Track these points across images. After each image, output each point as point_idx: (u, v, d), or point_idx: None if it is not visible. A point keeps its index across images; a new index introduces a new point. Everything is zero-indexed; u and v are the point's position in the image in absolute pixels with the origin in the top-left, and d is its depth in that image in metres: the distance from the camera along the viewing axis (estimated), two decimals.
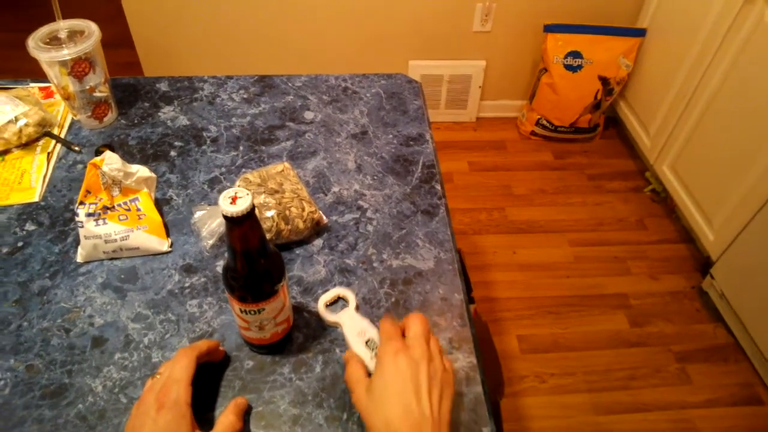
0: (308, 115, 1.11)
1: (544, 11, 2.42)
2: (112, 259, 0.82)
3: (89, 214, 0.79)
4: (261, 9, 2.32)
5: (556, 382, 1.75)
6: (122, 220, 0.81)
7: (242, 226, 0.56)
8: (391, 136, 1.07)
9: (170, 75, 1.19)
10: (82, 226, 0.79)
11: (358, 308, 0.76)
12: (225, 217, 0.55)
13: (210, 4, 2.28)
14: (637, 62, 2.44)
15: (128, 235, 0.81)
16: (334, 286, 0.80)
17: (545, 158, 2.55)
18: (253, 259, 0.60)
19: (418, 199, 0.93)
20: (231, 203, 0.54)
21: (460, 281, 0.81)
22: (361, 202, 0.92)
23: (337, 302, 0.78)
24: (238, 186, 0.84)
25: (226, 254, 0.78)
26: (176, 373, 0.60)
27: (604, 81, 2.43)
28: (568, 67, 2.42)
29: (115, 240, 0.80)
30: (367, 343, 0.69)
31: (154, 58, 2.48)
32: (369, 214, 0.90)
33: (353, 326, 0.72)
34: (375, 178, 0.97)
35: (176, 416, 0.56)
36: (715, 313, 1.94)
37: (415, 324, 0.61)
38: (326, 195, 0.94)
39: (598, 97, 2.47)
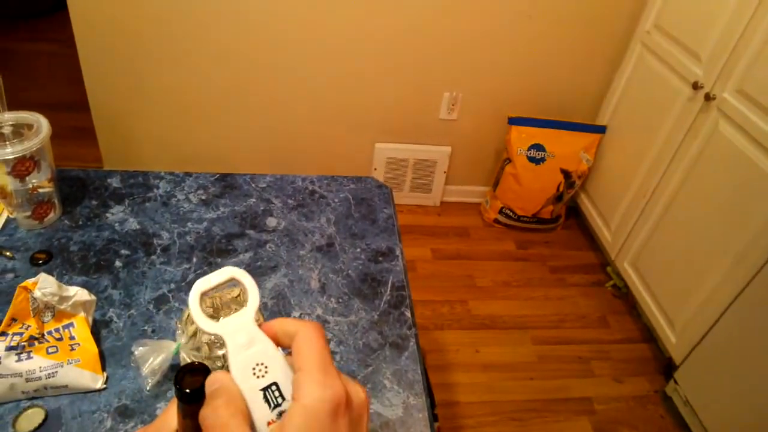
0: (271, 222, 1.04)
1: (509, 103, 2.47)
2: (33, 398, 0.71)
3: (10, 348, 0.69)
4: (227, 86, 2.28)
5: None
6: (51, 353, 0.71)
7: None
8: (359, 250, 1.00)
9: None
10: None
11: (261, 320, 0.39)
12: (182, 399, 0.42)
13: (174, 85, 2.24)
14: (597, 157, 2.49)
15: (56, 371, 0.70)
16: None
17: (508, 247, 2.54)
18: None
19: (387, 328, 0.86)
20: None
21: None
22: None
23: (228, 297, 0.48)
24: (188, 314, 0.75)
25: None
26: (168, 415, 0.38)
27: (566, 174, 2.47)
28: (532, 159, 2.45)
29: (40, 378, 0.70)
30: (266, 391, 0.34)
31: (109, 125, 2.37)
32: (332, 346, 0.82)
33: (245, 352, 0.36)
34: (340, 301, 0.90)
35: None
36: (680, 419, 1.89)
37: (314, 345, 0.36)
38: None
39: (561, 189, 2.50)
